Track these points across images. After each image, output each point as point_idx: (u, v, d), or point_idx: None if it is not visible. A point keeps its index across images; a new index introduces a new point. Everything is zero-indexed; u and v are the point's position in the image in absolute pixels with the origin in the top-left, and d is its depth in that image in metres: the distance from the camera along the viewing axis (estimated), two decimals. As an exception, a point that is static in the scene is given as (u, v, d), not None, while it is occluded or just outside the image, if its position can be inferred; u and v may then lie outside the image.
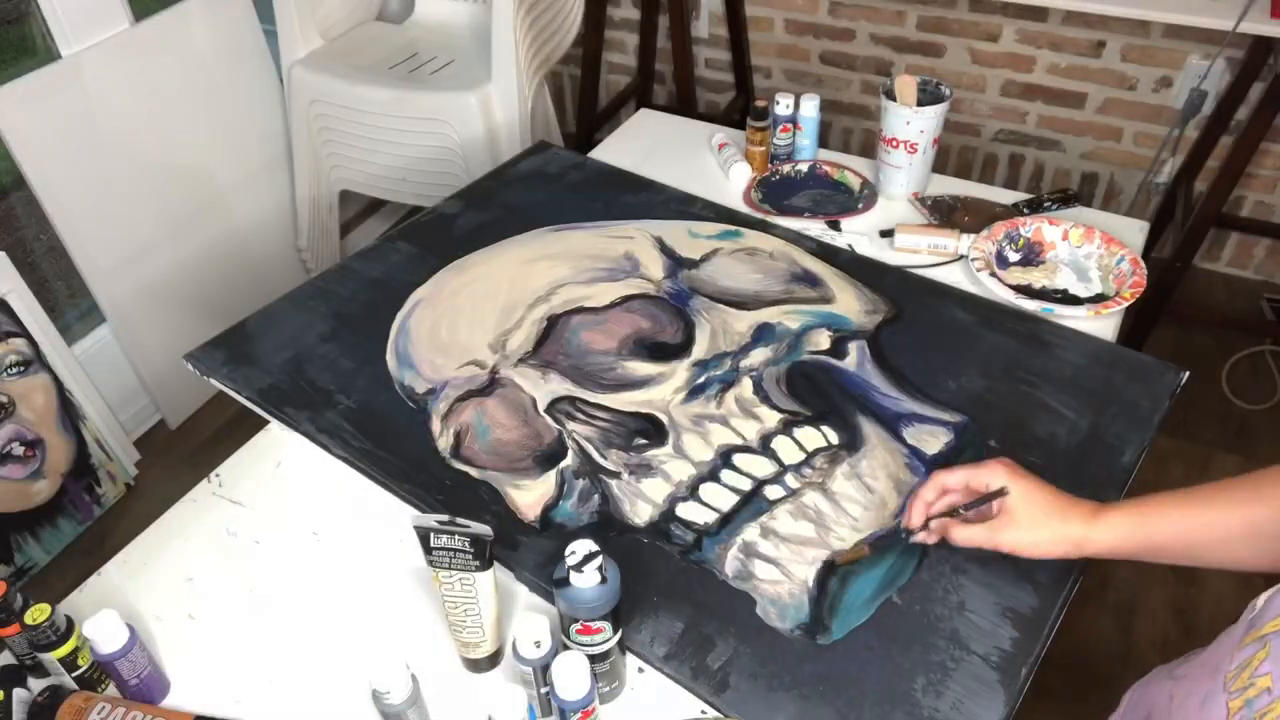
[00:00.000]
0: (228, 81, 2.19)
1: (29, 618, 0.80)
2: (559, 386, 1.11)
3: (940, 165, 1.47)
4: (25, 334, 1.84)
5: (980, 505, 0.84)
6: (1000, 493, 0.82)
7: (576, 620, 0.77)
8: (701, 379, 1.12)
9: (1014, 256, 1.32)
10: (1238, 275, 2.51)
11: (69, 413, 1.92)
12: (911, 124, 1.37)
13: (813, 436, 1.04)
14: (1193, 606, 1.76)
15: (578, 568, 0.75)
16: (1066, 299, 1.25)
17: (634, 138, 1.66)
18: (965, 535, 0.84)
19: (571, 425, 1.07)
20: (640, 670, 0.87)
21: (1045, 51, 2.34)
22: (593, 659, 0.78)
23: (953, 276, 1.29)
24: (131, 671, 0.83)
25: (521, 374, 1.13)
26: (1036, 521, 0.81)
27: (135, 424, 2.20)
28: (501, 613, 0.86)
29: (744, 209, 1.43)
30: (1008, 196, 1.44)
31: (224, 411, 2.20)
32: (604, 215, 1.40)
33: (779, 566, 0.92)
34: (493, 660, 0.87)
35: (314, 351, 1.19)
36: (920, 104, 1.38)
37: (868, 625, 0.87)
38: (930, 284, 1.26)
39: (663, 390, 1.11)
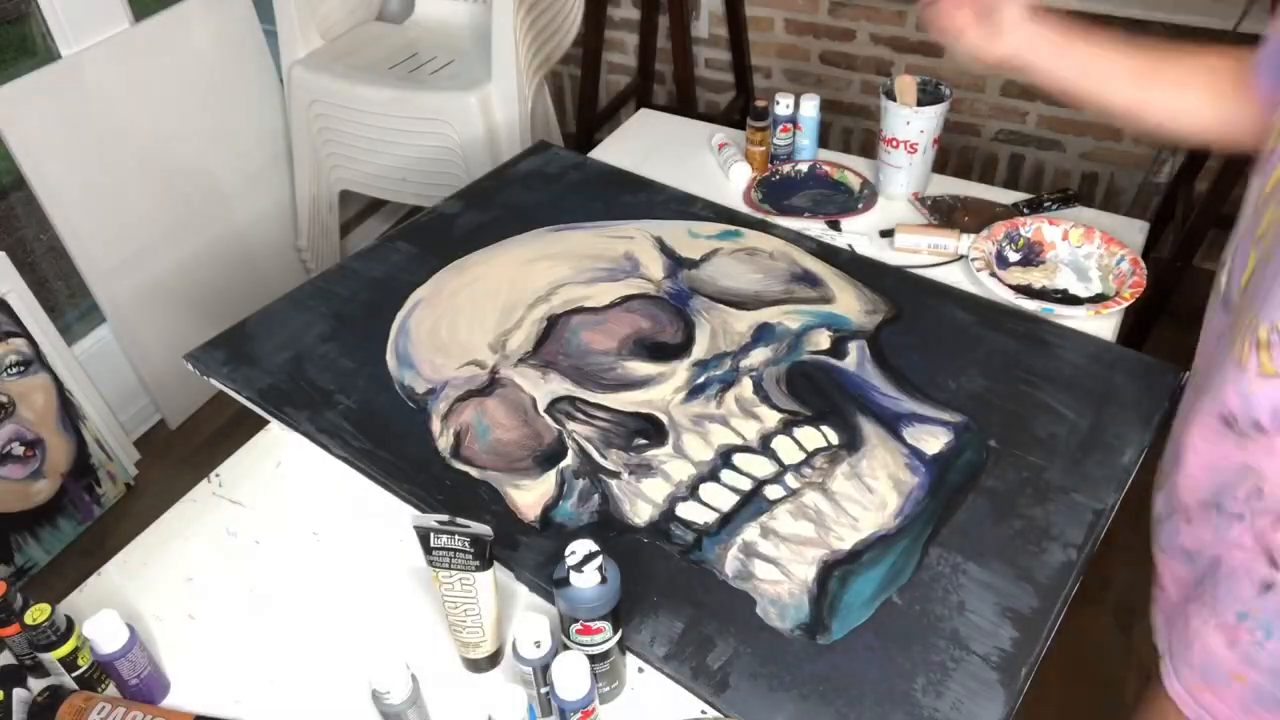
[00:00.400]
0: (228, 81, 2.19)
1: (29, 618, 0.80)
2: (559, 386, 1.11)
3: (940, 165, 1.47)
4: (25, 334, 1.84)
5: None
6: None
7: (576, 620, 0.77)
8: (701, 379, 1.12)
9: (1014, 256, 1.32)
10: (1238, 275, 2.50)
11: (69, 413, 1.92)
12: (911, 124, 1.37)
13: (813, 436, 1.04)
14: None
15: (578, 568, 0.75)
16: (1066, 299, 1.25)
17: (634, 138, 1.66)
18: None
19: (571, 425, 1.07)
20: (640, 670, 0.87)
21: (1045, 51, 2.33)
22: (593, 659, 0.78)
23: (953, 276, 1.29)
24: (131, 671, 0.83)
25: (521, 374, 1.13)
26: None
27: (135, 424, 2.20)
28: (501, 613, 0.86)
29: (744, 209, 1.43)
30: (1008, 196, 1.44)
31: (224, 411, 2.21)
32: (604, 215, 1.40)
33: (779, 566, 0.92)
34: (493, 660, 0.87)
35: (314, 351, 1.19)
36: (920, 104, 1.38)
37: (868, 625, 0.87)
38: (930, 284, 1.26)
39: (663, 390, 1.11)
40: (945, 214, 1.41)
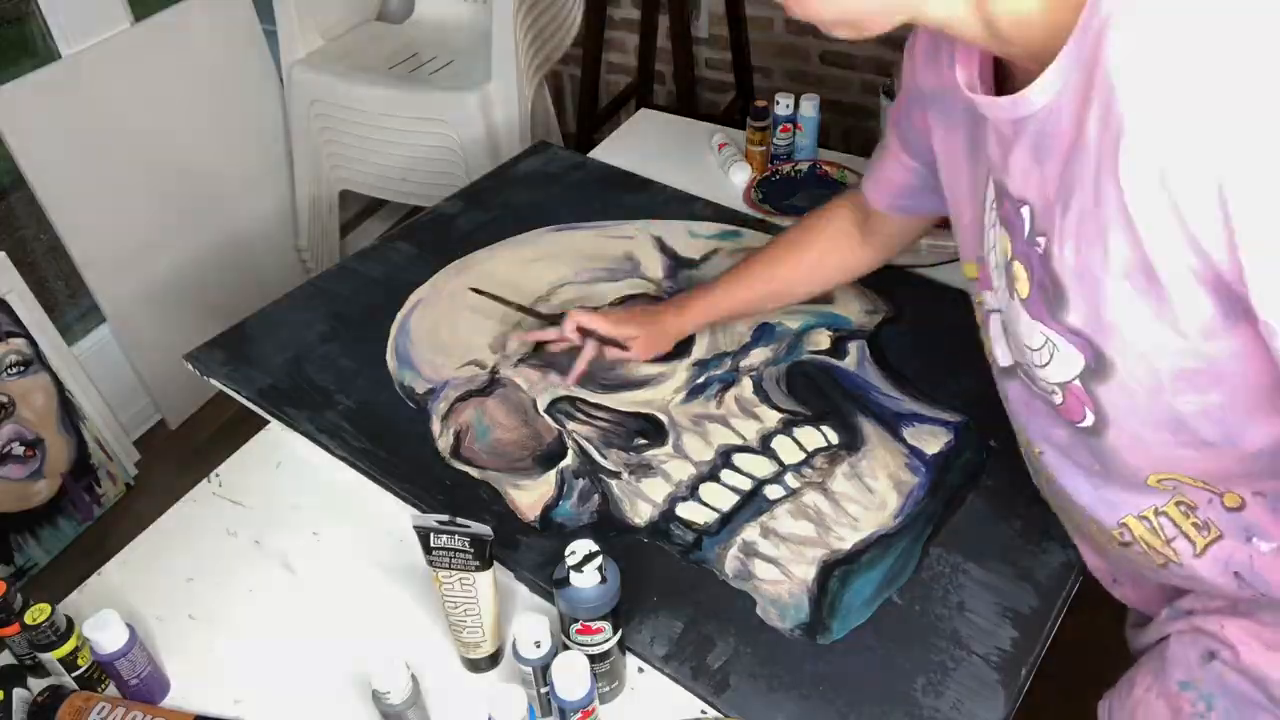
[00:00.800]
0: (228, 81, 2.19)
1: (29, 617, 0.80)
2: (559, 386, 1.11)
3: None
4: (25, 334, 1.84)
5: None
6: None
7: (576, 620, 0.77)
8: (701, 379, 1.12)
9: (1014, 256, 1.32)
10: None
11: (69, 413, 1.92)
12: (911, 124, 1.37)
13: (813, 436, 1.04)
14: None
15: (577, 567, 0.75)
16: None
17: (634, 138, 1.65)
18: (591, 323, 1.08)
19: (571, 425, 1.07)
20: (640, 670, 0.87)
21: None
22: (593, 659, 0.78)
23: (952, 276, 1.29)
24: (131, 671, 0.83)
25: (521, 374, 1.13)
26: (636, 321, 1.09)
27: (135, 424, 2.20)
28: (501, 613, 0.86)
29: (744, 209, 1.42)
30: (1008, 196, 1.44)
31: (224, 412, 2.20)
32: (604, 215, 1.40)
33: (779, 566, 0.92)
34: (493, 660, 0.87)
35: (314, 351, 1.19)
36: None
37: (868, 625, 0.87)
38: (930, 283, 1.26)
39: (663, 390, 1.11)
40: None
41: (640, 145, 1.61)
